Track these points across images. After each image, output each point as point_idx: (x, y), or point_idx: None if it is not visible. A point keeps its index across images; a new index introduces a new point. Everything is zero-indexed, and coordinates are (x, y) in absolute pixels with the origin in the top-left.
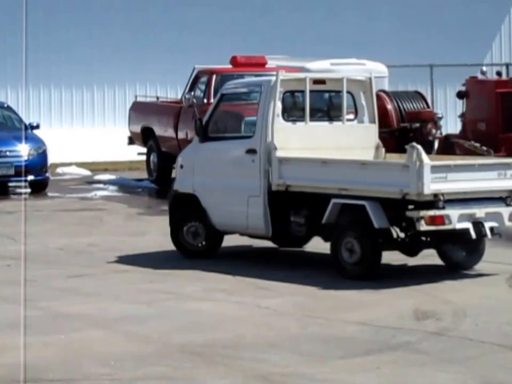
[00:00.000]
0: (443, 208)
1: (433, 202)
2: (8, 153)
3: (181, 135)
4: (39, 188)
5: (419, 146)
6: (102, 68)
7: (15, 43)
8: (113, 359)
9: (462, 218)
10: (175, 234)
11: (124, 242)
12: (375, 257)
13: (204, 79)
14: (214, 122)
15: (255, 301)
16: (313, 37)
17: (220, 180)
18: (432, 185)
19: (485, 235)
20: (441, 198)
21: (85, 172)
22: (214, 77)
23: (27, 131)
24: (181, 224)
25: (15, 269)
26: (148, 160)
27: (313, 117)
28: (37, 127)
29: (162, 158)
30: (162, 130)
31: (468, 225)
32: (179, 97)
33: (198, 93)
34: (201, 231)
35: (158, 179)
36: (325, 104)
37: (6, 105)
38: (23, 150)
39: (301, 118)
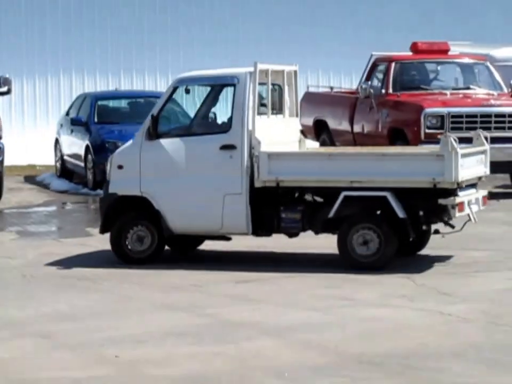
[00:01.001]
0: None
1: (455, 190)
2: None
3: (357, 128)
4: None
5: (453, 136)
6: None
7: None
8: (287, 371)
9: (468, 204)
10: (117, 241)
11: (295, 244)
12: (394, 248)
13: (381, 67)
14: (157, 121)
15: (437, 307)
16: (500, 21)
17: (183, 179)
18: (461, 173)
19: (475, 219)
20: (463, 185)
21: None
22: (393, 65)
23: None
24: (125, 230)
25: (182, 272)
26: None
27: (269, 111)
28: None
29: None
30: (337, 123)
31: (469, 210)
32: (354, 87)
33: (376, 82)
34: (150, 236)
35: None
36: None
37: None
38: None
39: (264, 112)
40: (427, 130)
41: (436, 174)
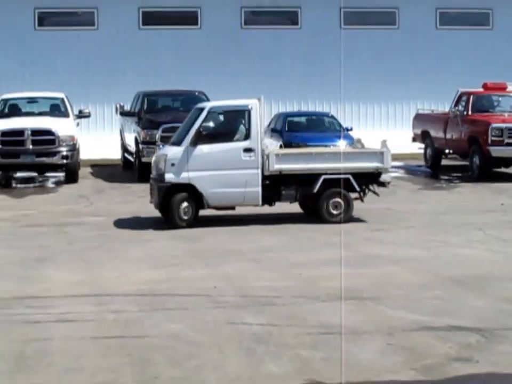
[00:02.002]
0: None
1: (388, 171)
2: (332, 146)
3: (448, 136)
4: None
5: (385, 140)
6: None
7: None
8: (404, 285)
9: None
10: (169, 212)
11: (408, 207)
12: (352, 209)
13: (464, 98)
14: (201, 133)
15: (500, 248)
16: None
17: (218, 171)
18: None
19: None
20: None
21: None
22: (472, 97)
23: (344, 132)
24: (178, 205)
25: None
26: (425, 153)
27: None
28: (351, 129)
29: (435, 152)
30: (436, 132)
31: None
32: (446, 110)
33: (461, 107)
34: (191, 209)
35: (432, 166)
36: None
37: (330, 114)
38: (342, 145)
39: None
40: (492, 138)
41: (378, 163)
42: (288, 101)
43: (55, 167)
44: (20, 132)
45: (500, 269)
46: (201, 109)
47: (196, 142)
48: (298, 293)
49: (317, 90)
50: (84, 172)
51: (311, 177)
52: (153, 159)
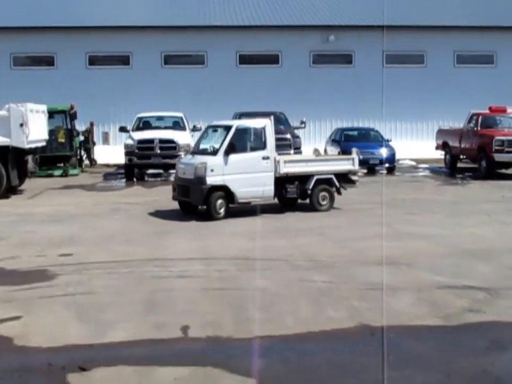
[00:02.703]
0: None
1: (356, 172)
2: (376, 153)
3: (462, 145)
4: (390, 171)
5: (357, 150)
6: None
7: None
8: (433, 256)
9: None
10: (210, 208)
11: (432, 198)
12: (334, 201)
13: (475, 117)
14: (231, 145)
15: (502, 229)
16: None
17: (245, 175)
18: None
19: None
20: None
21: (412, 163)
22: (481, 116)
23: (385, 142)
24: (215, 202)
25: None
26: (445, 158)
27: None
28: (390, 140)
29: (452, 157)
30: (453, 143)
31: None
32: (461, 126)
33: (472, 124)
34: (225, 205)
35: (450, 167)
36: None
37: (375, 129)
38: (383, 152)
39: None
40: (495, 147)
41: (350, 166)
42: (345, 119)
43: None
44: (151, 141)
45: (502, 244)
46: (229, 127)
47: (228, 152)
48: (351, 259)
49: (365, 112)
50: None
51: (306, 177)
52: (195, 165)
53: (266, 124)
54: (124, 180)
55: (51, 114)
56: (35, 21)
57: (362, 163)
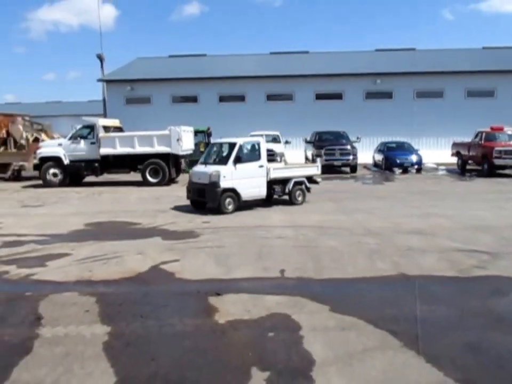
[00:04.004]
0: None
1: (319, 175)
2: (408, 158)
3: (471, 154)
4: (418, 171)
5: (320, 159)
6: (435, 127)
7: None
8: (450, 229)
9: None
10: (221, 206)
11: (448, 189)
12: (305, 197)
13: (479, 134)
14: (238, 157)
15: (499, 212)
16: None
17: (247, 179)
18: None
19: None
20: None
21: (434, 165)
22: (484, 133)
23: (415, 151)
24: (224, 200)
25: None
26: (457, 162)
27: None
28: (418, 150)
29: (463, 162)
30: (464, 151)
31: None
32: (469, 140)
33: (477, 139)
34: (233, 202)
35: (461, 169)
36: None
37: (407, 142)
38: (413, 157)
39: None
40: (495, 155)
41: (315, 171)
42: (386, 136)
43: None
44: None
45: (499, 222)
46: (234, 143)
47: (235, 162)
48: (393, 230)
49: (401, 131)
50: None
51: (287, 180)
52: (210, 173)
53: (261, 141)
54: None
55: (195, 133)
56: (185, 74)
57: (399, 165)
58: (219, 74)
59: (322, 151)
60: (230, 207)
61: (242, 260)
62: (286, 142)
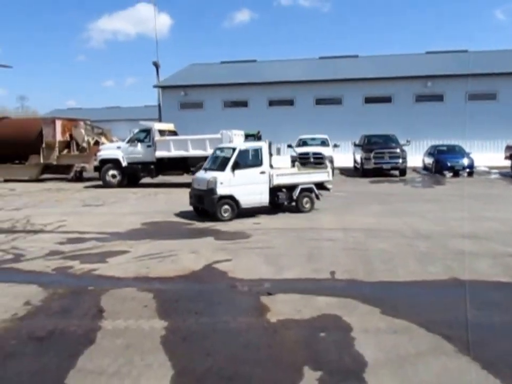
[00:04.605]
0: None
1: (330, 181)
2: (460, 161)
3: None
4: (470, 174)
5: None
6: (486, 131)
7: None
8: (503, 233)
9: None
10: (217, 213)
11: (501, 193)
12: (314, 204)
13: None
14: (236, 163)
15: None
16: None
17: (247, 185)
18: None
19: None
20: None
21: (486, 169)
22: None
23: (466, 154)
24: (221, 207)
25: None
26: (511, 165)
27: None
28: (470, 153)
29: None
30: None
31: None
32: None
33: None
34: (230, 209)
35: None
36: None
37: (459, 145)
38: (465, 161)
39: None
40: None
41: (325, 177)
42: (437, 139)
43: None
44: (307, 153)
45: None
46: (234, 148)
47: (233, 168)
48: (444, 233)
49: (452, 133)
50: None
51: (293, 186)
52: (208, 179)
53: (263, 146)
54: None
55: (246, 136)
56: (236, 79)
57: (450, 168)
58: (269, 79)
59: (371, 154)
60: (227, 215)
61: (292, 260)
62: (335, 146)
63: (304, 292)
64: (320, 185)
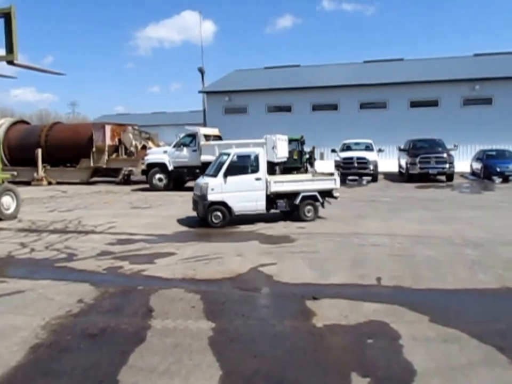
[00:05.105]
0: None
1: (337, 189)
2: (510, 166)
3: None
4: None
5: (337, 172)
6: None
7: None
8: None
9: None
10: (206, 217)
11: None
12: (317, 213)
13: None
14: (230, 169)
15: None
16: None
17: (240, 192)
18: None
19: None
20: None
21: None
22: None
23: None
24: (212, 213)
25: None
26: None
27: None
28: None
29: None
30: None
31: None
32: None
33: None
34: (221, 216)
35: None
36: None
37: (509, 150)
38: None
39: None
40: None
41: (332, 185)
42: (485, 143)
43: (366, 175)
44: (351, 158)
45: None
46: (228, 154)
47: (226, 174)
48: (494, 240)
49: (502, 138)
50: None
51: (294, 194)
52: (201, 185)
53: (260, 152)
54: None
55: (290, 141)
56: (279, 84)
57: (499, 174)
58: (312, 84)
59: (417, 159)
60: (217, 221)
61: (337, 265)
62: (379, 150)
63: (350, 298)
64: (328, 193)
